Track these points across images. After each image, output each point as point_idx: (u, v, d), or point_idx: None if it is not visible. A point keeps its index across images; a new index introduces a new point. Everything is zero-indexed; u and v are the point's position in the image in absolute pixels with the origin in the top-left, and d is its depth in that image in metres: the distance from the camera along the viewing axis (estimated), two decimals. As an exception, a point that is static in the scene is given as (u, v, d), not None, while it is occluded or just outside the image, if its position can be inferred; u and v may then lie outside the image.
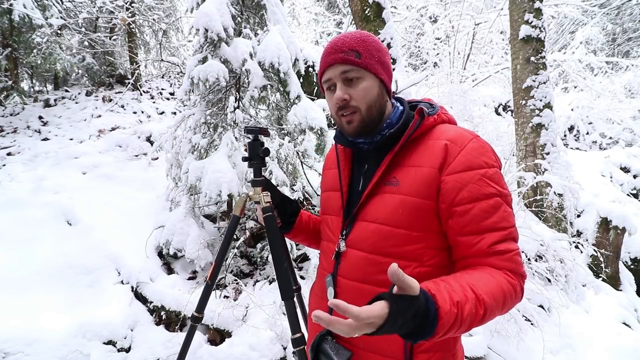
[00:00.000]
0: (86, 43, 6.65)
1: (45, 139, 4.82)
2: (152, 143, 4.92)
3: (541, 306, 2.88)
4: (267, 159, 1.28)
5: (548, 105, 4.17)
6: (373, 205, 0.89)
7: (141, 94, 6.49)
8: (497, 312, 0.75)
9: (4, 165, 4.14)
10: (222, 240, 1.23)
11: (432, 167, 0.84)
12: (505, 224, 0.82)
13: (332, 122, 4.84)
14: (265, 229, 1.08)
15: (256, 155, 1.19)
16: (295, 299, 1.07)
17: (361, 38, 0.90)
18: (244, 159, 1.22)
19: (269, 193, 1.18)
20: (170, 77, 7.75)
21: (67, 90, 6.37)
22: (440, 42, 8.27)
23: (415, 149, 0.89)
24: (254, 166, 1.20)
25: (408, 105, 0.97)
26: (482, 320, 0.71)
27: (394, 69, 2.52)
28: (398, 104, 0.98)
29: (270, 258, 3.11)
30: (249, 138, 1.23)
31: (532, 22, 4.18)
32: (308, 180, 3.45)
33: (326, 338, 0.89)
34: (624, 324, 3.07)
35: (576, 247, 3.64)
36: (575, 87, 9.24)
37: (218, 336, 2.57)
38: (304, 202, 3.38)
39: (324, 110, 3.35)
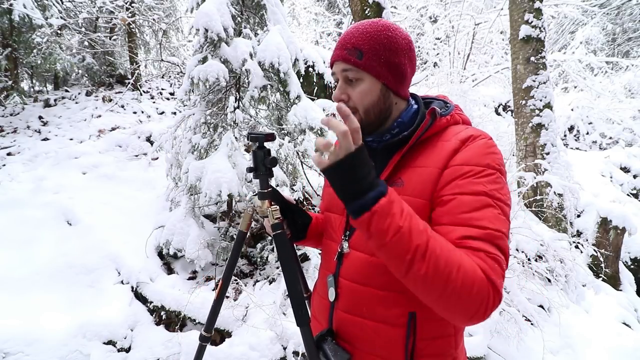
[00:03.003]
0: (86, 43, 6.65)
1: (45, 139, 4.82)
2: (152, 143, 4.92)
3: (541, 306, 2.88)
4: None
5: (548, 105, 4.17)
6: None
7: (141, 94, 6.49)
8: (440, 280, 0.66)
9: (4, 165, 4.14)
10: (229, 258, 1.12)
11: (436, 167, 0.81)
12: (486, 223, 0.72)
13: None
14: (275, 248, 0.99)
15: (262, 166, 1.05)
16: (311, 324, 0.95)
17: (371, 33, 0.84)
18: (249, 170, 1.07)
19: (277, 207, 1.04)
20: (170, 77, 7.75)
21: (67, 90, 6.37)
22: (440, 42, 8.26)
23: (424, 150, 0.85)
24: (261, 177, 1.06)
25: (423, 102, 0.94)
26: (422, 266, 0.66)
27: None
28: (413, 102, 0.93)
29: (270, 258, 3.11)
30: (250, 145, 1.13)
31: (532, 22, 4.18)
32: (308, 180, 3.46)
33: (326, 339, 0.88)
34: (624, 324, 3.07)
35: (576, 247, 3.64)
36: (575, 87, 9.24)
37: (218, 336, 2.57)
38: (304, 202, 3.38)
39: (324, 110, 3.35)
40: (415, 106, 0.92)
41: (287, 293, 2.70)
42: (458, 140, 0.82)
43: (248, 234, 3.18)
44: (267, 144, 1.06)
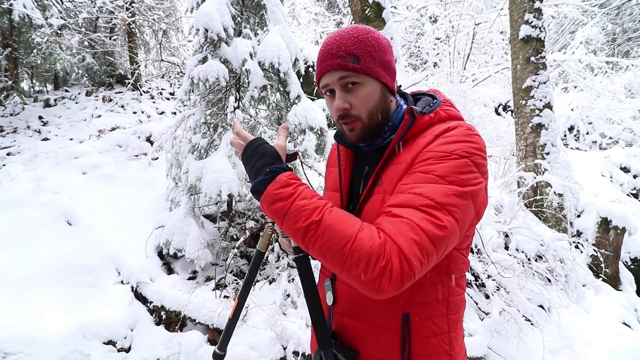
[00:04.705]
0: (86, 43, 6.65)
1: (45, 139, 4.82)
2: (152, 143, 4.92)
3: (541, 306, 2.87)
4: None
5: (548, 105, 4.17)
6: (367, 209, 0.87)
7: (141, 94, 6.49)
8: (336, 252, 0.69)
9: (4, 165, 4.14)
10: (246, 277, 1.10)
11: (407, 163, 0.81)
12: (420, 191, 0.72)
13: (332, 122, 4.84)
14: (298, 270, 0.96)
15: None
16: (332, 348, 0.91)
17: (358, 38, 0.83)
18: None
19: None
20: (170, 77, 7.75)
21: (67, 90, 6.37)
22: (440, 42, 8.28)
23: (404, 149, 0.85)
24: None
25: (412, 99, 0.93)
26: (316, 241, 0.71)
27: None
28: (402, 102, 0.92)
29: (270, 258, 3.11)
30: None
31: (532, 22, 4.18)
32: (308, 180, 3.44)
33: (331, 341, 0.88)
34: (624, 324, 3.07)
35: (576, 247, 3.64)
36: (575, 87, 9.24)
37: (218, 336, 2.57)
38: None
39: (324, 110, 3.35)
40: (405, 107, 0.91)
41: (287, 293, 2.70)
42: (433, 135, 0.81)
43: (248, 233, 3.15)
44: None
